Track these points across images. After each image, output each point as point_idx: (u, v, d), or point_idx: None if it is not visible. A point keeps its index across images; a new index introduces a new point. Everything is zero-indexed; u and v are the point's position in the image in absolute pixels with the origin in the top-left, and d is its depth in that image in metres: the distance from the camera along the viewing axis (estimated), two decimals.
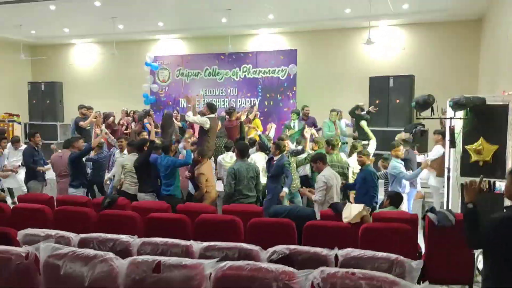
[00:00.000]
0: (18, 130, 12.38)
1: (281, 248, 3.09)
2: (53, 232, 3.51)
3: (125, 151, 6.83)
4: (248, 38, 11.65)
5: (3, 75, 12.78)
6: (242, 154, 5.82)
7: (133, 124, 9.61)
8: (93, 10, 9.37)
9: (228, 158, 6.86)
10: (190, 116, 7.40)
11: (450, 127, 5.29)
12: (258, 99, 11.03)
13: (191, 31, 11.69)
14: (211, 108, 7.60)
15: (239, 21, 10.33)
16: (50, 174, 7.21)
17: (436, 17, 9.76)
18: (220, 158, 7.07)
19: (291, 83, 10.79)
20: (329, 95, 10.66)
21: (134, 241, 3.34)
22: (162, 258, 2.45)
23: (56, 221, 4.59)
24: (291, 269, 2.28)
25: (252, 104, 10.70)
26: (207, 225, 4.15)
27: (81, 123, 9.12)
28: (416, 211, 6.49)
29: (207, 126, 7.24)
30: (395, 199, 4.89)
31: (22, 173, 7.44)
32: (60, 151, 7.01)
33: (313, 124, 8.94)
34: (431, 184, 6.91)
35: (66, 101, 12.93)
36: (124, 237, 3.36)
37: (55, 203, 5.32)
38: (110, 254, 2.56)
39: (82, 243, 3.29)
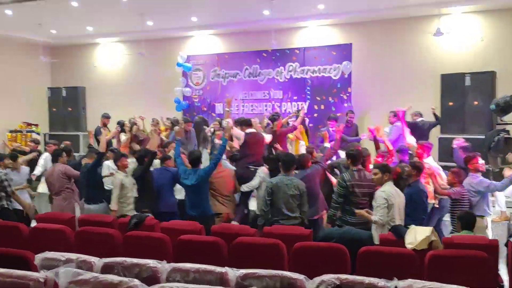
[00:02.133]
0: None
1: (330, 277, 3.11)
2: (74, 256, 3.70)
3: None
4: (294, 32, 11.72)
5: (20, 80, 13.42)
6: (287, 167, 5.88)
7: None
8: (120, 6, 9.77)
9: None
10: (228, 124, 7.45)
11: None
12: (307, 103, 11.09)
13: (229, 26, 11.90)
14: (240, 124, 7.63)
15: (284, 13, 10.44)
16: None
17: None
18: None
19: (345, 84, 10.76)
20: (391, 97, 10.51)
21: (163, 266, 3.46)
22: (194, 287, 2.55)
23: (78, 244, 4.81)
24: None
25: (299, 107, 10.75)
26: (245, 250, 4.24)
27: (99, 137, 9.54)
28: (499, 236, 6.28)
29: (240, 141, 7.32)
30: (467, 220, 4.78)
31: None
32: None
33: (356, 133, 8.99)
34: None
35: (89, 108, 13.53)
36: (151, 262, 3.49)
37: (76, 223, 5.60)
38: (136, 281, 2.68)
39: (106, 268, 3.45)
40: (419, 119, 9.07)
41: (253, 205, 7.12)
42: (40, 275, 2.77)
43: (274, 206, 5.67)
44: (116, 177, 6.59)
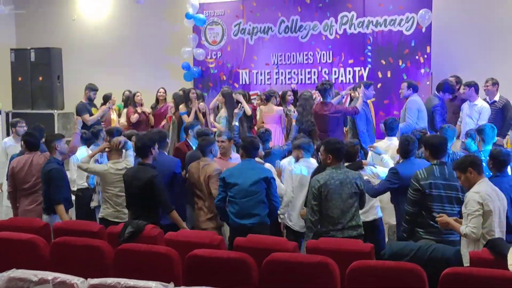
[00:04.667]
0: None
1: None
2: (50, 275, 3.80)
3: None
4: None
5: None
6: (339, 156, 5.90)
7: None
8: None
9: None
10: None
11: None
12: (367, 69, 11.02)
13: None
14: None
15: None
16: None
17: None
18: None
19: (422, 41, 10.63)
20: (486, 61, 10.36)
21: None
22: None
23: (54, 259, 4.93)
24: None
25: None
26: (281, 269, 4.27)
27: (85, 116, 9.88)
28: None
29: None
30: None
31: None
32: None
33: None
34: None
35: (66, 77, 13.70)
36: (154, 285, 3.56)
37: (51, 233, 5.73)
38: None
39: None
40: None
41: None
42: None
43: (323, 213, 5.69)
44: None
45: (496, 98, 8.91)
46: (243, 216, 6.16)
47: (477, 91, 8.82)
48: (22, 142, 7.92)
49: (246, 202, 6.15)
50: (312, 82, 11.32)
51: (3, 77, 13.97)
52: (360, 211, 5.93)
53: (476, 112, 8.67)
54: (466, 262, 4.79)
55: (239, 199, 6.17)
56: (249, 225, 6.06)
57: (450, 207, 5.47)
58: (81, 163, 7.11)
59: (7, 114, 13.25)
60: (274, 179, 6.33)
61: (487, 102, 8.87)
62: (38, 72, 13.62)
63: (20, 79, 13.81)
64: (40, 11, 14.31)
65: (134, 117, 10.36)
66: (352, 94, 9.82)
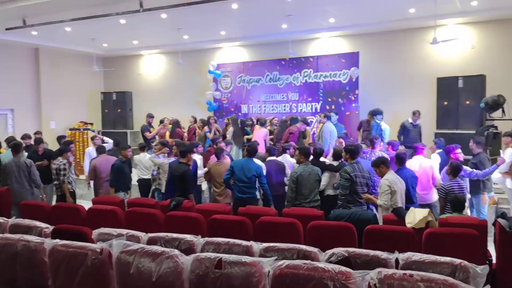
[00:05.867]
0: None
1: (340, 250, 3.11)
2: (124, 231, 3.79)
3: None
4: (309, 42, 11.68)
5: (79, 86, 13.82)
6: (307, 156, 5.99)
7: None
8: (160, 22, 9.88)
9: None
10: None
11: None
12: (320, 103, 11.04)
13: (252, 38, 11.95)
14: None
15: (300, 26, 10.45)
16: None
17: (508, 14, 9.21)
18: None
19: (353, 87, 10.67)
20: (393, 98, 10.41)
21: (198, 240, 3.51)
22: (224, 255, 2.59)
23: (127, 222, 4.92)
24: (348, 269, 2.32)
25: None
26: (267, 227, 4.27)
27: (146, 134, 10.07)
28: (489, 218, 6.18)
29: None
30: (457, 204, 4.72)
31: None
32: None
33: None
34: (508, 188, 6.51)
35: (135, 109, 13.76)
36: (188, 237, 3.55)
37: (125, 205, 5.72)
38: (176, 251, 2.74)
39: (151, 241, 3.52)
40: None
41: None
42: (97, 246, 2.85)
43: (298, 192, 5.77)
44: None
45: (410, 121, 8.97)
46: (243, 193, 6.18)
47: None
48: (96, 149, 7.98)
49: (244, 185, 6.18)
50: (286, 111, 11.34)
51: (96, 109, 13.95)
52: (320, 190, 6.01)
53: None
54: (380, 222, 4.80)
55: (239, 183, 6.20)
56: (245, 198, 6.10)
57: (366, 189, 5.55)
58: (153, 158, 7.40)
59: (98, 132, 13.22)
60: (263, 173, 6.32)
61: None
62: (117, 106, 13.63)
63: (106, 111, 13.83)
64: (119, 69, 14.31)
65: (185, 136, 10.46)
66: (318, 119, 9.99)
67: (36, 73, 12.66)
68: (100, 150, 7.75)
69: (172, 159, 7.13)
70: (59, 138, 9.08)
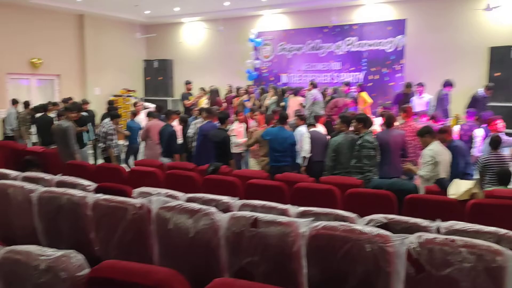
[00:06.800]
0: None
1: (378, 217, 3.04)
2: (163, 191, 3.87)
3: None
4: (353, 9, 11.27)
5: (122, 53, 14.04)
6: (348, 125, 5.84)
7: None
8: None
9: None
10: None
11: None
12: (363, 73, 10.74)
13: (294, 5, 11.66)
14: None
15: None
16: None
17: None
18: None
19: (398, 56, 10.29)
20: (441, 68, 9.95)
21: (235, 202, 3.54)
22: (259, 215, 2.59)
23: (167, 183, 5.03)
24: (386, 232, 2.26)
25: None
26: (304, 193, 4.25)
27: (185, 101, 10.19)
28: None
29: None
30: (503, 176, 4.52)
31: None
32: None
33: None
34: None
35: (175, 77, 13.91)
36: (225, 198, 3.58)
37: (165, 168, 5.85)
38: (213, 209, 2.76)
39: (188, 201, 3.57)
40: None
41: None
42: (137, 201, 2.92)
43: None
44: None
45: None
46: (277, 161, 6.15)
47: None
48: (147, 114, 8.10)
49: (278, 154, 6.15)
50: (327, 81, 11.12)
51: (138, 76, 14.22)
52: None
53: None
54: (421, 192, 4.68)
55: (274, 152, 6.18)
56: (280, 166, 6.04)
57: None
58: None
59: (141, 99, 13.52)
60: (295, 141, 6.24)
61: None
62: (159, 74, 13.82)
63: (148, 78, 14.06)
64: (160, 36, 14.41)
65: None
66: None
67: (81, 40, 12.95)
68: (152, 114, 7.92)
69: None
70: (110, 103, 9.42)
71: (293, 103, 9.24)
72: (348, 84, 9.85)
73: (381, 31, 10.51)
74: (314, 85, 9.40)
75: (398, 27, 10.27)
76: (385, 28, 10.45)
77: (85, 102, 9.57)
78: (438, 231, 2.86)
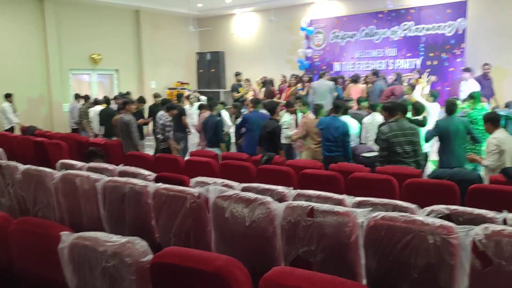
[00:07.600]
0: None
1: (440, 207, 2.93)
2: (219, 180, 3.95)
3: None
4: None
5: (176, 47, 14.40)
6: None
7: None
8: None
9: None
10: None
11: None
12: (420, 59, 10.32)
13: None
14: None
15: None
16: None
17: None
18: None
19: (459, 40, 9.78)
20: (505, 53, 9.34)
21: (289, 192, 3.54)
22: (316, 204, 2.58)
23: (221, 173, 5.12)
24: (450, 223, 2.18)
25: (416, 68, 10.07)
26: (360, 183, 4.17)
27: (234, 93, 10.30)
28: None
29: None
30: None
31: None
32: None
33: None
34: None
35: (227, 69, 14.06)
36: (280, 188, 3.59)
37: (220, 159, 5.96)
38: (268, 198, 2.78)
39: (243, 190, 3.63)
40: None
41: None
42: (195, 190, 3.00)
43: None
44: None
45: None
46: (330, 151, 6.08)
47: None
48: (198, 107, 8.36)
49: (331, 144, 6.09)
50: (382, 68, 10.78)
51: (192, 69, 14.51)
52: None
53: None
54: (486, 182, 4.45)
55: (326, 142, 6.11)
56: (333, 156, 6.01)
57: (409, 147, 5.13)
58: None
59: (194, 91, 13.78)
60: (349, 131, 6.13)
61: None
62: (211, 66, 14.03)
63: (201, 70, 14.31)
64: (212, 29, 14.59)
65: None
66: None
67: (138, 35, 13.40)
68: (203, 106, 8.17)
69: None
70: (165, 102, 9.78)
71: (354, 91, 9.12)
72: (376, 73, 9.40)
73: (440, 14, 10.02)
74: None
75: (458, 9, 9.75)
76: (444, 11, 9.96)
77: (157, 96, 10.11)
78: (505, 222, 2.72)
